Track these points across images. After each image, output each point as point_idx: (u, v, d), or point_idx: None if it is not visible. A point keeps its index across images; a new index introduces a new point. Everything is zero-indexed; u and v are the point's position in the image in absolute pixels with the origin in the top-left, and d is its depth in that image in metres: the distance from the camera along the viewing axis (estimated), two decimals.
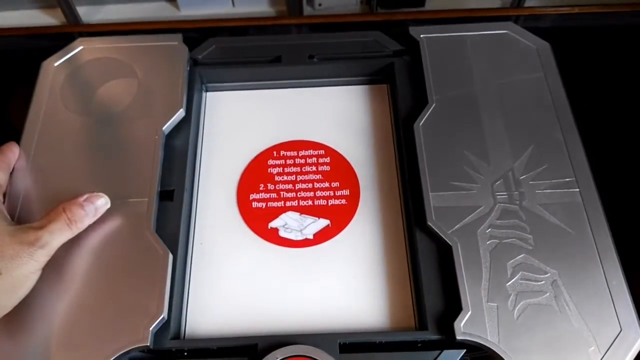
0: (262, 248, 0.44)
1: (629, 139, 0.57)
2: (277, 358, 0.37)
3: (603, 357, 0.37)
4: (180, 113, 0.47)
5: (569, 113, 0.46)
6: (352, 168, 0.48)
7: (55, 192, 0.43)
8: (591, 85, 0.60)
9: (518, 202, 0.42)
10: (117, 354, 0.36)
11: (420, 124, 0.46)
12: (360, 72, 0.52)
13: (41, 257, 0.37)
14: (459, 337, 0.37)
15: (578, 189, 0.43)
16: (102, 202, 0.41)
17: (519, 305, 0.38)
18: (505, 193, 0.43)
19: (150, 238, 0.41)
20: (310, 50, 0.52)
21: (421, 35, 0.51)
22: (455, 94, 0.48)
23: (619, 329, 0.37)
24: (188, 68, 0.50)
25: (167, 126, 0.46)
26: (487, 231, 0.41)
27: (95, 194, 0.41)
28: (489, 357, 0.37)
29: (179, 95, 0.48)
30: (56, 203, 0.40)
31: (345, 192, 0.47)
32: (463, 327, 0.38)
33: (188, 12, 0.67)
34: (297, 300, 0.42)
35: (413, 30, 0.52)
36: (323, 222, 0.45)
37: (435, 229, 0.41)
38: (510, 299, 0.39)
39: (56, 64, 0.50)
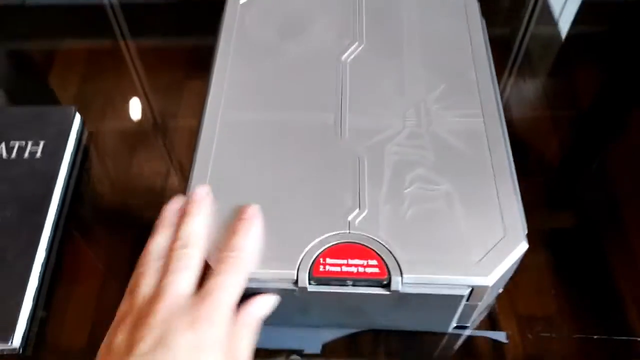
0: None
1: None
2: (330, 242, 0.40)
3: (482, 259, 0.39)
4: (357, 44, 0.52)
5: (486, 60, 0.50)
6: None
7: (250, 110, 0.48)
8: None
9: (425, 127, 0.46)
10: (319, 238, 0.40)
11: (349, 59, 0.51)
12: None
13: None
14: (352, 231, 0.40)
15: (482, 119, 0.46)
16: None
17: (411, 209, 0.41)
18: (414, 119, 0.46)
19: (341, 144, 0.45)
20: None
21: None
22: (384, 33, 0.53)
23: (503, 235, 0.40)
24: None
25: (347, 55, 0.51)
26: (394, 148, 0.45)
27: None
28: None
29: (355, 28, 0.54)
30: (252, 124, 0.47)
31: None
32: (358, 223, 0.41)
33: None
34: None
35: None
36: None
37: (352, 144, 0.45)
38: (405, 203, 0.42)
39: (242, 1, 0.56)
